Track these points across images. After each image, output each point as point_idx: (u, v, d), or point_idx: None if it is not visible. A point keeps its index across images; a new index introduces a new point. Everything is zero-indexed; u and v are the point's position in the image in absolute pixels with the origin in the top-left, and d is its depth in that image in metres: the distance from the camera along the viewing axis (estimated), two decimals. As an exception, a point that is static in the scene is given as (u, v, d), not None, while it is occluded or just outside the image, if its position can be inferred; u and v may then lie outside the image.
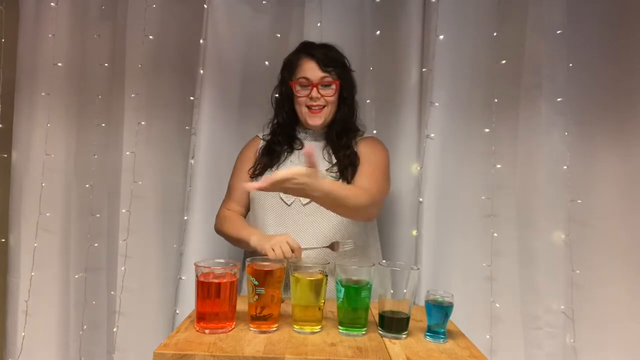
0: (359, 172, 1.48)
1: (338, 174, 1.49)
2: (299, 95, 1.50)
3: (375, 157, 1.53)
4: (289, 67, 1.54)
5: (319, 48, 1.53)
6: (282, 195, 1.45)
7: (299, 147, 1.56)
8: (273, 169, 1.51)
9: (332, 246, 1.40)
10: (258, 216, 1.50)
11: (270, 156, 1.54)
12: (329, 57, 1.51)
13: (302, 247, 1.34)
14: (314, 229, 1.44)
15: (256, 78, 1.86)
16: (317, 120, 1.51)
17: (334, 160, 1.52)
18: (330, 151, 1.54)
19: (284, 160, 1.53)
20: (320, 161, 1.50)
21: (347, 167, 1.49)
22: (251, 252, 1.42)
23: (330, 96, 1.50)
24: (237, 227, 1.49)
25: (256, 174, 1.52)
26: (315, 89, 1.48)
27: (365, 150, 1.54)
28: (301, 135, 1.59)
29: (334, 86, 1.50)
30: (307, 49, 1.53)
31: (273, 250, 1.30)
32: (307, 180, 1.18)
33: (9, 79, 1.83)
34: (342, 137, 1.55)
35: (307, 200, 1.42)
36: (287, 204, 1.46)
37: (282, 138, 1.57)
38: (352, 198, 1.34)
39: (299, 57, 1.53)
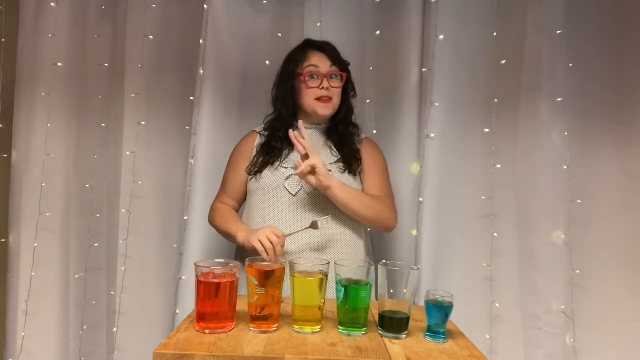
0: (369, 178, 1.53)
1: (344, 166, 1.50)
2: (310, 86, 1.50)
3: (381, 163, 1.58)
4: (295, 60, 1.54)
5: (325, 43, 1.57)
6: (287, 185, 1.46)
7: None
8: (275, 166, 1.50)
9: (313, 225, 1.39)
10: (258, 207, 1.49)
11: (270, 154, 1.52)
12: (335, 51, 1.56)
13: (285, 233, 1.36)
14: (314, 218, 1.43)
15: (256, 78, 1.86)
16: (327, 110, 1.51)
17: (338, 156, 1.53)
18: (333, 146, 1.55)
19: (286, 158, 1.51)
20: (325, 156, 1.51)
21: (352, 161, 1.52)
22: (242, 248, 1.45)
23: (337, 87, 1.52)
24: (227, 221, 1.52)
25: (255, 171, 1.51)
26: (325, 79, 1.50)
27: (370, 154, 1.57)
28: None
29: (340, 78, 1.53)
30: (314, 43, 1.57)
31: (260, 242, 1.33)
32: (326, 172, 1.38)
33: (9, 79, 1.84)
34: (344, 132, 1.57)
35: (311, 189, 1.44)
36: (292, 194, 1.46)
37: (282, 134, 1.55)
38: (374, 202, 1.47)
39: (306, 50, 1.54)
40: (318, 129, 1.58)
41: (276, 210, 1.46)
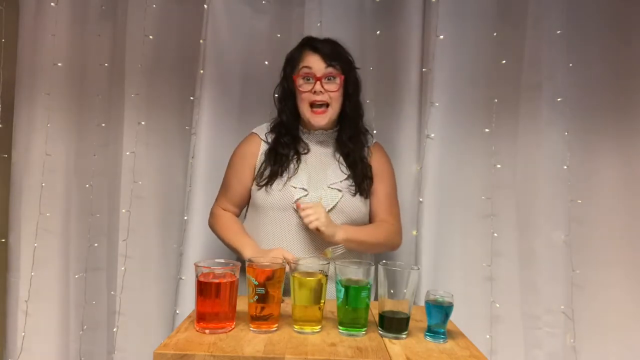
0: (378, 195, 1.53)
1: (355, 187, 1.47)
2: (302, 90, 1.45)
3: (389, 175, 1.58)
4: (292, 61, 1.50)
5: (323, 42, 1.49)
6: (295, 208, 1.42)
7: (305, 152, 1.51)
8: (283, 179, 1.45)
9: (325, 254, 1.38)
10: (267, 225, 1.46)
11: (277, 163, 1.47)
12: (333, 51, 1.47)
13: (296, 258, 1.33)
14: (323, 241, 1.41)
15: (256, 78, 1.86)
16: (321, 121, 1.47)
17: (348, 172, 1.49)
18: (342, 159, 1.51)
19: (295, 172, 1.46)
20: (334, 171, 1.49)
21: (363, 181, 1.49)
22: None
23: (334, 91, 1.45)
24: (233, 233, 1.48)
25: (265, 182, 1.46)
26: (318, 82, 1.43)
27: (378, 162, 1.56)
28: (304, 137, 1.54)
29: (338, 80, 1.46)
30: (311, 43, 1.49)
31: None
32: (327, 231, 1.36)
33: (9, 79, 1.83)
34: (354, 146, 1.52)
35: None
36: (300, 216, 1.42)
37: (287, 139, 1.51)
38: (381, 236, 1.50)
39: (302, 50, 1.49)
40: (324, 134, 1.54)
41: (285, 232, 1.43)
